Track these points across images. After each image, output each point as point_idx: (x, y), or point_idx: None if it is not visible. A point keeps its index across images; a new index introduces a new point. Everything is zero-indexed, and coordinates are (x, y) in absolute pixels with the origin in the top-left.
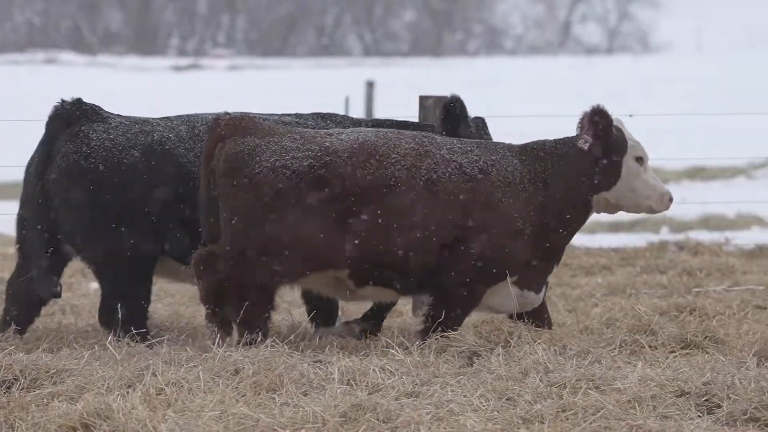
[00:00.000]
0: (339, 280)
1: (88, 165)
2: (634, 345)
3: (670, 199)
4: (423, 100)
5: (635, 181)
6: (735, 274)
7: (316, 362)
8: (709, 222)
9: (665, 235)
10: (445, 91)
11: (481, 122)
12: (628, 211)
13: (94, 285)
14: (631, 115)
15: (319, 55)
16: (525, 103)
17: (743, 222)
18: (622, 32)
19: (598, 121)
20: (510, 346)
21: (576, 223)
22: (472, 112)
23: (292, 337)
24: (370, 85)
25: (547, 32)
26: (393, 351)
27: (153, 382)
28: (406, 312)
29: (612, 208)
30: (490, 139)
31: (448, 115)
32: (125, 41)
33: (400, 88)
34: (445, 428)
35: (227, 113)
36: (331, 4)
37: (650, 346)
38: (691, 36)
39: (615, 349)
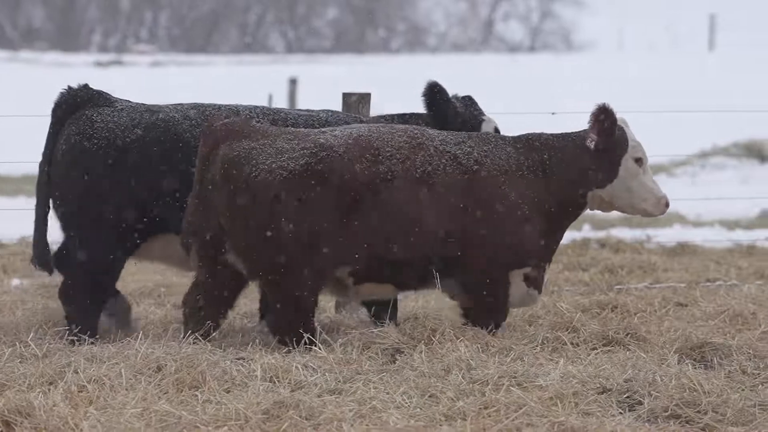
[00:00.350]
0: (338, 279)
1: (90, 146)
2: (556, 342)
3: (666, 204)
4: (346, 96)
5: (632, 181)
6: (656, 272)
7: (238, 359)
8: (630, 219)
9: (587, 232)
10: (369, 88)
11: (469, 100)
12: (622, 211)
13: (16, 281)
14: (553, 113)
15: (242, 53)
16: None
17: (664, 220)
18: (545, 30)
19: (603, 119)
20: (433, 343)
21: (568, 218)
22: (396, 109)
23: (215, 334)
24: (293, 82)
25: (469, 30)
26: (316, 348)
27: (75, 379)
28: (328, 309)
29: (606, 207)
30: (482, 114)
31: (433, 101)
32: (47, 37)
33: (323, 85)
34: (367, 425)
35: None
36: (254, 1)
37: (572, 343)
38: (613, 35)
39: (537, 346)
